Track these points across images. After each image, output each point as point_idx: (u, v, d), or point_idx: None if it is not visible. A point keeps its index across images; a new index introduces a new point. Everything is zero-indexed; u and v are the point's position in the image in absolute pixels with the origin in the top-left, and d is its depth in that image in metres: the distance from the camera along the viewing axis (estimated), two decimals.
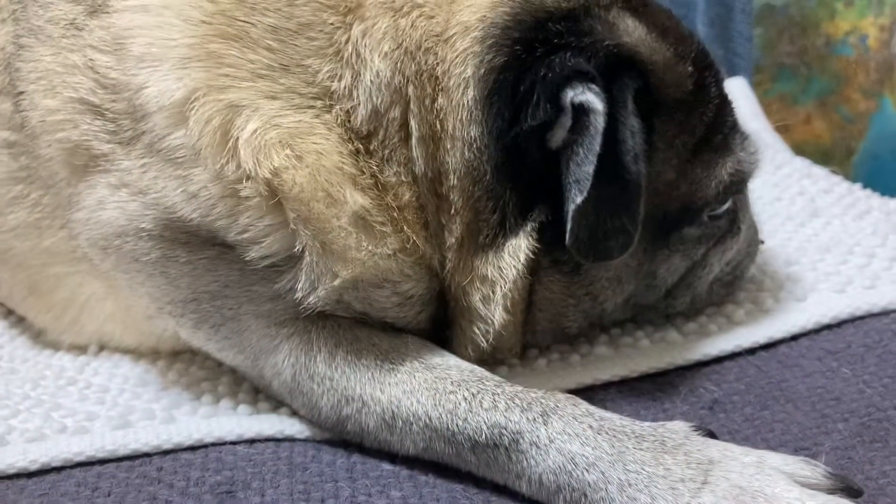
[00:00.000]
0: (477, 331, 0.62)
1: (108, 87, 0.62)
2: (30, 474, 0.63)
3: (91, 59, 0.63)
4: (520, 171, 0.59)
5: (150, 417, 0.68)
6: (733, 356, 0.71)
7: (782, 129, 2.11)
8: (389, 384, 0.60)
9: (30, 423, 0.68)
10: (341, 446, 0.65)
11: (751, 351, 0.72)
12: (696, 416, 0.65)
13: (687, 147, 0.64)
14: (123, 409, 0.70)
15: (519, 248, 0.59)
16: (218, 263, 0.62)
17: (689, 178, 0.65)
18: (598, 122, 0.56)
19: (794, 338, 0.73)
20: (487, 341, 0.62)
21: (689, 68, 0.63)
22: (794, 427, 0.63)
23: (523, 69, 0.58)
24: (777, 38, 1.98)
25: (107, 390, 0.74)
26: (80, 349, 0.82)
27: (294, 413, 0.67)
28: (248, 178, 0.58)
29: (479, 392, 0.57)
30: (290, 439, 0.66)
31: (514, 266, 0.59)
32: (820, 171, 1.18)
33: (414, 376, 0.59)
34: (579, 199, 0.56)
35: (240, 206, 0.59)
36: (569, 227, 0.57)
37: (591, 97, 0.56)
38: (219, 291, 0.63)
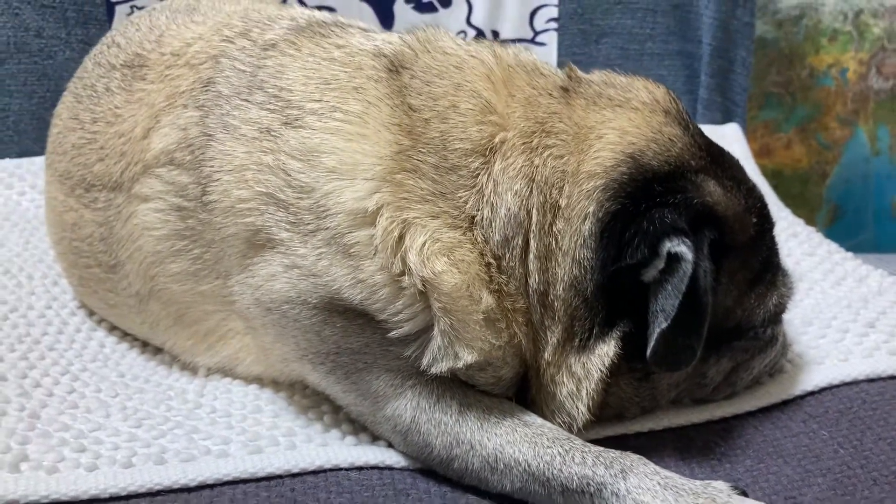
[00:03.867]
0: (559, 421, 0.80)
1: (296, 188, 0.79)
2: (189, 489, 0.80)
3: (284, 163, 0.80)
4: (613, 292, 0.77)
5: (275, 444, 0.85)
6: (736, 417, 0.90)
7: (765, 152, 2.31)
8: (496, 434, 0.77)
9: (177, 444, 0.84)
10: (431, 476, 0.82)
11: (751, 413, 0.90)
12: (708, 464, 0.84)
13: (744, 281, 0.83)
14: (251, 434, 0.86)
15: (606, 354, 0.77)
16: (365, 328, 0.79)
17: (744, 306, 0.84)
18: (688, 268, 0.74)
19: (785, 403, 0.92)
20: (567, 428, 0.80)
21: (754, 219, 0.83)
22: (784, 479, 0.82)
23: (630, 218, 0.77)
24: (766, 69, 2.17)
25: (230, 415, 0.90)
26: (194, 371, 0.99)
27: (389, 446, 0.85)
28: (410, 274, 0.76)
29: (570, 449, 0.75)
30: (389, 468, 0.83)
31: (600, 368, 0.77)
32: (803, 231, 1.36)
33: (516, 430, 0.77)
34: (664, 325, 0.74)
35: (397, 295, 0.77)
36: (651, 344, 0.75)
37: (684, 249, 0.74)
38: (360, 349, 0.81)
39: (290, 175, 0.79)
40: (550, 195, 0.78)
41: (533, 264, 0.78)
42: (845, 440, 0.86)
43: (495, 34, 1.64)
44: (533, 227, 0.78)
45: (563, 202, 0.78)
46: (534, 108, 0.82)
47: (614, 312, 0.78)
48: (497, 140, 0.80)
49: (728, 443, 0.87)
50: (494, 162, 0.79)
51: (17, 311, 1.07)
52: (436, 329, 0.77)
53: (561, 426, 0.81)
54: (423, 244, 0.76)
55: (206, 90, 0.89)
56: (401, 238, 0.76)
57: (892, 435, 0.86)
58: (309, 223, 0.79)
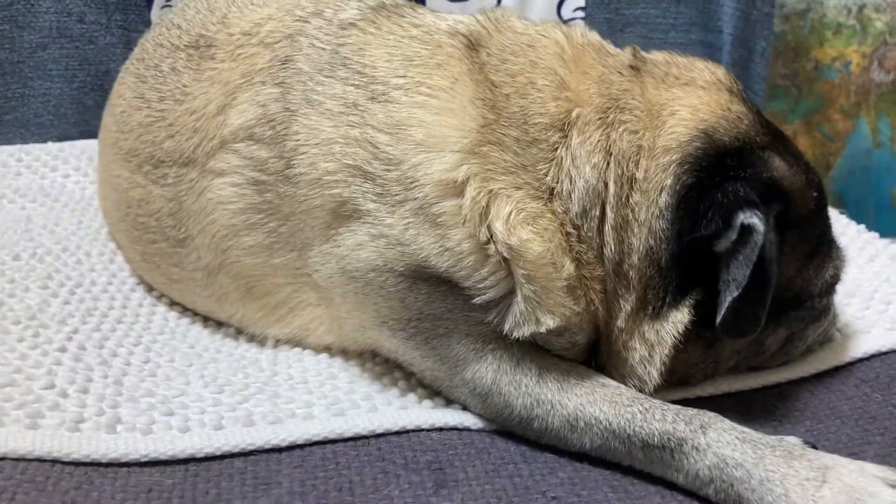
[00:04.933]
0: (631, 385, 0.83)
1: (384, 160, 0.82)
2: (280, 450, 0.83)
3: (371, 136, 0.83)
4: (686, 261, 0.80)
5: (357, 407, 0.88)
6: (791, 382, 0.94)
7: None
8: (575, 394, 0.81)
9: (263, 408, 0.87)
10: (510, 437, 0.86)
11: (805, 379, 0.94)
12: (770, 426, 0.88)
13: (804, 253, 0.87)
14: (332, 399, 0.89)
15: (680, 321, 0.81)
16: (448, 295, 0.83)
17: (803, 276, 0.88)
18: (759, 239, 0.77)
19: (836, 369, 0.96)
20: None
21: (814, 194, 0.87)
22: (844, 437, 0.86)
23: (705, 191, 0.80)
24: (773, 62, 2.21)
25: (307, 381, 0.93)
26: (262, 342, 1.02)
27: (465, 409, 0.88)
28: (496, 242, 0.79)
29: (651, 407, 0.79)
30: (468, 429, 0.86)
31: (672, 334, 0.81)
32: (832, 212, 1.40)
33: (595, 390, 0.81)
34: (735, 294, 0.77)
35: (483, 262, 0.80)
36: (721, 312, 0.78)
37: (756, 221, 0.78)
38: (442, 314, 0.84)
39: (377, 148, 0.82)
40: (627, 168, 0.82)
41: (609, 235, 0.82)
42: None
43: None
44: (610, 198, 0.82)
45: (639, 175, 0.81)
46: (607, 86, 0.85)
47: (686, 281, 0.82)
48: (574, 115, 0.84)
49: (786, 405, 0.91)
50: (572, 136, 0.83)
51: (81, 286, 1.10)
52: (518, 295, 0.80)
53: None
54: (510, 213, 0.79)
55: (286, 67, 0.92)
56: (487, 207, 0.79)
57: None
58: (397, 194, 0.82)
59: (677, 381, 0.89)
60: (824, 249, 0.90)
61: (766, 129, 0.88)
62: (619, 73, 0.88)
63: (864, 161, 2.30)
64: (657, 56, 0.94)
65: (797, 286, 0.89)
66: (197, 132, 0.98)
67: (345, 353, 0.98)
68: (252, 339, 1.03)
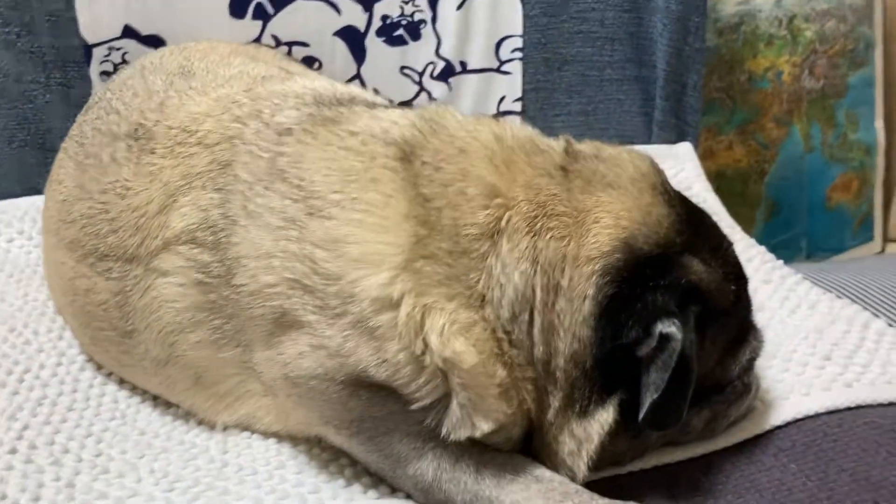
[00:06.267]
0: (562, 474, 0.89)
1: (323, 275, 0.86)
2: None
3: (310, 252, 0.86)
4: (610, 364, 0.86)
5: (304, 501, 0.92)
6: (715, 453, 1.00)
7: (709, 155, 2.43)
8: (511, 490, 0.86)
9: None
10: None
11: (728, 449, 1.01)
12: (696, 500, 0.94)
13: (724, 343, 0.93)
14: (280, 493, 0.93)
15: (606, 420, 0.86)
16: (387, 399, 0.87)
17: (723, 364, 0.94)
18: (676, 346, 0.82)
19: (757, 437, 1.02)
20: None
21: (732, 287, 0.91)
22: None
23: (625, 300, 0.85)
24: (709, 76, 2.28)
25: (256, 472, 0.96)
26: (211, 426, 1.05)
27: (408, 497, 0.93)
28: (431, 354, 0.83)
29: (580, 502, 0.84)
30: None
31: (598, 432, 0.86)
32: (757, 254, 1.47)
33: (530, 486, 0.86)
34: (655, 395, 0.83)
35: (419, 372, 0.84)
36: (643, 412, 0.84)
37: (673, 330, 0.83)
38: (383, 416, 0.88)
39: (316, 263, 0.86)
40: (553, 276, 0.86)
41: (538, 337, 0.87)
42: (812, 472, 0.97)
43: (463, 64, 1.71)
44: (538, 304, 0.86)
45: (564, 283, 0.86)
46: (535, 192, 0.90)
47: (611, 382, 0.87)
48: (503, 223, 0.88)
49: (710, 479, 0.97)
50: (502, 244, 0.87)
51: (30, 371, 1.11)
52: (454, 402, 0.85)
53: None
54: (443, 326, 0.83)
55: (225, 173, 0.95)
56: (422, 321, 0.84)
57: (851, 466, 0.98)
58: (336, 307, 0.85)
59: (609, 465, 0.95)
60: (742, 336, 0.96)
61: (685, 227, 0.92)
62: (549, 175, 0.92)
63: (797, 166, 2.39)
64: (587, 148, 0.97)
65: (716, 374, 0.95)
66: (140, 230, 1.00)
67: (293, 439, 1.02)
68: (202, 422, 1.06)
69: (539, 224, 0.88)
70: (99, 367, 1.16)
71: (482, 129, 0.95)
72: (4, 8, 1.44)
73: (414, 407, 0.86)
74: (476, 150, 0.92)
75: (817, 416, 1.05)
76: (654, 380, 0.84)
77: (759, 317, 1.23)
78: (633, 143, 1.83)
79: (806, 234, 2.50)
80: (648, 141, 1.84)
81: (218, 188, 0.94)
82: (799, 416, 1.05)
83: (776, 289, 1.34)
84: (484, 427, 0.85)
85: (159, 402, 1.11)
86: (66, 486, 0.92)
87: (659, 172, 0.97)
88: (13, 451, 0.96)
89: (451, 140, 0.93)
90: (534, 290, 0.87)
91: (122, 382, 1.14)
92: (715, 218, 1.58)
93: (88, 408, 1.08)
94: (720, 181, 2.41)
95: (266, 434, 1.02)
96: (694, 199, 1.65)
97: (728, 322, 0.94)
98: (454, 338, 0.83)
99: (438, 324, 0.83)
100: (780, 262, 1.47)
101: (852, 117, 2.43)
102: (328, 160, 0.90)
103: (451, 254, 0.86)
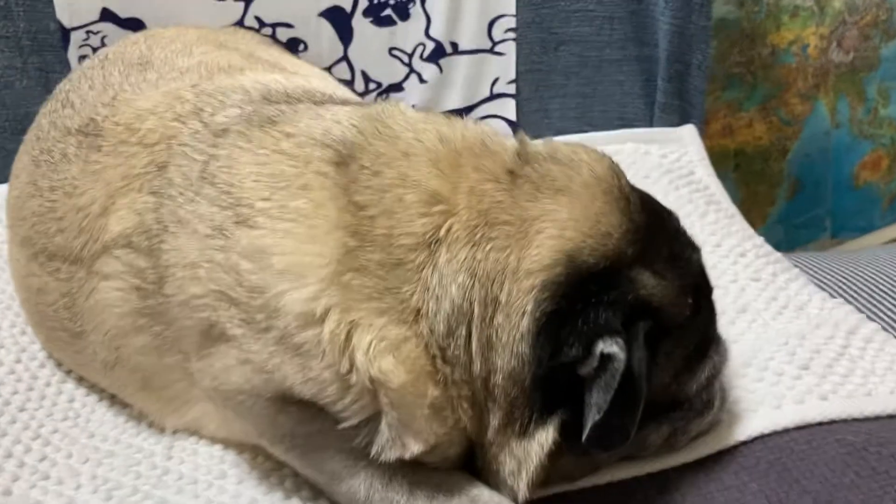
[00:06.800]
0: (504, 493, 0.85)
1: (248, 288, 0.82)
2: None
3: (235, 263, 0.83)
4: (551, 382, 0.81)
5: None
6: (674, 469, 0.96)
7: (727, 132, 2.36)
8: None
9: None
10: None
11: (688, 465, 0.96)
12: None
13: (680, 358, 0.87)
14: None
15: (546, 440, 0.82)
16: (317, 416, 0.84)
17: (679, 380, 0.89)
18: (619, 367, 0.78)
19: (720, 453, 0.97)
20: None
21: (689, 299, 0.86)
22: None
23: (566, 317, 0.80)
24: (728, 50, 2.20)
25: (196, 481, 0.95)
26: (161, 429, 1.04)
27: None
28: (357, 372, 0.80)
29: None
30: None
31: (538, 453, 0.82)
32: (752, 249, 1.39)
33: None
34: (597, 418, 0.78)
35: (346, 391, 0.81)
36: (585, 433, 0.79)
37: (615, 349, 0.78)
38: (313, 433, 0.86)
39: (240, 275, 0.83)
40: (491, 289, 0.82)
41: (475, 353, 0.83)
42: (773, 493, 0.92)
43: (454, 45, 1.65)
44: (475, 318, 0.82)
45: (502, 297, 0.82)
46: (479, 198, 0.85)
47: (552, 401, 0.83)
48: (443, 231, 0.84)
49: (665, 496, 0.93)
50: (440, 254, 0.83)
51: None
52: (384, 422, 0.82)
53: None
54: (370, 344, 0.80)
55: (160, 175, 0.92)
56: (347, 338, 0.80)
57: (815, 488, 0.92)
58: (261, 321, 0.82)
59: (559, 481, 0.91)
60: (702, 350, 0.91)
61: (639, 235, 0.87)
62: (496, 180, 0.87)
63: (821, 142, 2.30)
64: (543, 149, 0.92)
65: (672, 390, 0.90)
66: (83, 232, 0.98)
67: (239, 446, 1.00)
68: (152, 424, 1.04)
69: (480, 233, 0.83)
70: (59, 364, 1.15)
71: (429, 128, 0.90)
72: None
73: (343, 426, 0.83)
74: (419, 153, 0.87)
75: (786, 431, 1.00)
76: (596, 400, 0.80)
77: (740, 320, 1.19)
78: (633, 125, 1.77)
79: (830, 214, 2.42)
80: (650, 123, 1.77)
81: (153, 191, 0.91)
82: (766, 432, 0.99)
83: (765, 287, 1.28)
84: (414, 448, 0.82)
85: (116, 400, 1.09)
86: (2, 494, 0.91)
87: (617, 175, 0.91)
88: None
89: (395, 142, 0.88)
90: (471, 304, 0.82)
91: (81, 380, 1.13)
92: (714, 206, 1.55)
93: (41, 408, 1.07)
94: (739, 159, 2.33)
95: (213, 440, 1.00)
96: (695, 185, 1.61)
97: (684, 336, 0.88)
98: (381, 356, 0.80)
99: (365, 341, 0.80)
100: (777, 255, 1.40)
101: (884, 92, 2.32)
102: (259, 164, 0.87)
103: (382, 265, 0.82)
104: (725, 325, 1.17)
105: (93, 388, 1.12)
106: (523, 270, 0.82)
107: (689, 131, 1.75)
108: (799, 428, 1.00)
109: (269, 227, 0.83)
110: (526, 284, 0.82)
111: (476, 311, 0.82)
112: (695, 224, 1.44)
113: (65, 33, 1.49)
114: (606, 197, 0.88)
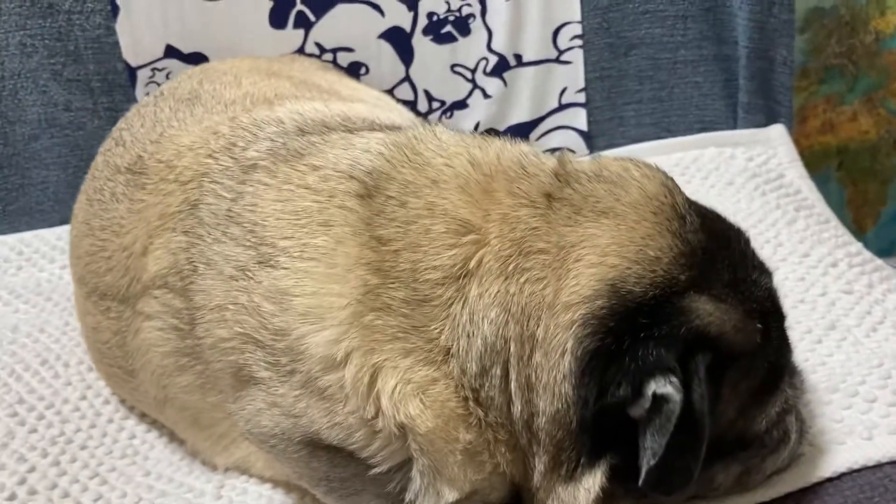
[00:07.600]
0: None
1: (272, 330, 0.80)
2: None
3: (258, 305, 0.81)
4: (600, 424, 0.75)
5: None
6: None
7: (828, 129, 2.21)
8: None
9: None
10: None
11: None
12: None
13: (749, 390, 0.79)
14: None
15: (593, 485, 0.75)
16: (349, 460, 0.81)
17: (746, 415, 0.80)
18: (675, 408, 0.71)
19: (802, 491, 0.88)
20: None
21: (758, 325, 0.77)
22: None
23: (612, 355, 0.73)
24: (825, 41, 2.06)
25: None
26: (213, 467, 1.03)
27: None
28: (384, 417, 0.76)
29: None
30: None
31: (587, 499, 0.75)
32: (845, 257, 1.27)
33: None
34: (653, 463, 0.71)
35: (373, 437, 0.78)
36: (642, 477, 0.73)
37: (670, 390, 0.71)
38: (348, 478, 0.82)
39: (263, 317, 0.80)
40: (527, 326, 0.76)
41: (515, 394, 0.77)
42: None
43: (518, 57, 1.60)
44: (511, 357, 0.77)
45: (539, 334, 0.75)
46: (511, 226, 0.79)
47: (602, 443, 0.76)
48: (473, 263, 0.78)
49: None
50: (471, 288, 0.77)
51: (52, 407, 1.12)
52: (414, 469, 0.77)
53: None
54: (395, 387, 0.75)
55: (192, 214, 0.90)
56: (371, 382, 0.76)
57: None
58: (286, 364, 0.79)
59: None
60: (773, 382, 0.82)
61: (695, 257, 0.79)
62: (532, 205, 0.81)
63: None
64: (586, 167, 0.85)
65: (739, 427, 0.81)
66: (128, 271, 0.98)
67: (287, 485, 0.97)
68: (205, 462, 1.03)
69: (513, 264, 0.77)
70: (122, 400, 1.16)
71: (460, 152, 0.85)
72: (49, 39, 1.46)
73: (374, 472, 0.79)
74: (448, 180, 0.82)
75: (879, 466, 0.90)
76: (650, 444, 0.72)
77: (828, 339, 1.08)
78: (715, 129, 1.67)
79: None
80: (734, 126, 1.67)
81: (185, 231, 0.90)
82: (856, 467, 0.89)
83: (858, 300, 1.17)
84: (449, 496, 0.77)
85: (174, 436, 1.09)
86: None
87: (671, 192, 0.83)
88: (12, 498, 0.96)
89: (424, 169, 0.84)
90: (506, 342, 0.77)
91: (142, 416, 1.13)
92: (805, 212, 1.43)
93: (102, 445, 1.08)
94: (843, 156, 2.18)
95: (262, 479, 0.98)
96: (785, 189, 1.50)
97: (751, 367, 0.79)
98: (408, 400, 0.75)
99: (390, 385, 0.75)
100: (877, 263, 1.28)
101: None
102: (283, 201, 0.84)
103: (407, 303, 0.77)
104: (810, 344, 1.07)
105: (154, 423, 1.12)
106: (561, 304, 0.75)
107: (777, 131, 1.64)
108: (894, 463, 0.89)
109: (290, 266, 0.80)
110: (564, 319, 0.75)
111: (512, 349, 0.77)
112: (781, 232, 1.34)
113: (131, 72, 1.52)
114: (656, 217, 0.80)
